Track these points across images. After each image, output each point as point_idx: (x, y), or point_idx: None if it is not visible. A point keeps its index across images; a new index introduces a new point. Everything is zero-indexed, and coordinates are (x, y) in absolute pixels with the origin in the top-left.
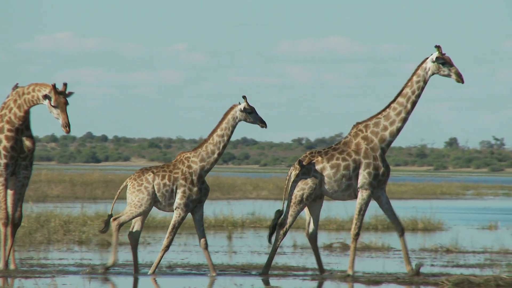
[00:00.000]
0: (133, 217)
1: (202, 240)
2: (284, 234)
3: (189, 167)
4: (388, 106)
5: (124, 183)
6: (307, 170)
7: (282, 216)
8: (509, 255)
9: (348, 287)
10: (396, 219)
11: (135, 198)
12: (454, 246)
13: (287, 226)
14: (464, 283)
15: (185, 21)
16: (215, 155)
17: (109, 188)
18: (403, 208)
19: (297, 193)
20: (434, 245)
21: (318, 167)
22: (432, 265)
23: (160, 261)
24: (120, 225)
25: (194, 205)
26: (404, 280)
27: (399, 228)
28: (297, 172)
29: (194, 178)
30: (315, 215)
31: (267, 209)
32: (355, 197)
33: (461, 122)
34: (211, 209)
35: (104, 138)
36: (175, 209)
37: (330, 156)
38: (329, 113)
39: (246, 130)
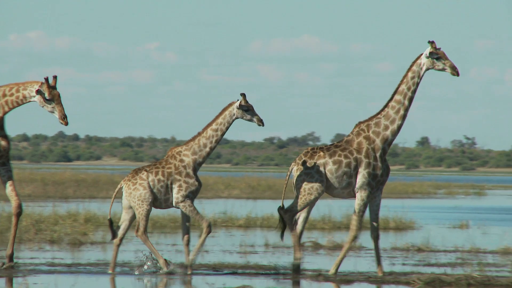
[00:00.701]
0: (147, 216)
1: (186, 236)
2: (293, 217)
3: (182, 160)
4: (386, 105)
5: (119, 186)
6: (309, 165)
7: (289, 205)
8: (480, 254)
9: (320, 286)
10: (376, 223)
11: (134, 198)
12: (425, 245)
13: (294, 211)
14: (435, 282)
15: (156, 20)
16: (207, 149)
17: (80, 187)
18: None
19: (305, 186)
20: (406, 244)
21: (320, 161)
22: (403, 264)
23: (201, 246)
24: (145, 232)
25: (195, 196)
26: (375, 279)
27: (375, 233)
28: (300, 167)
29: (189, 170)
30: (306, 213)
31: (239, 208)
32: (355, 195)
33: (432, 122)
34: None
35: (75, 137)
36: (176, 204)
37: (333, 152)
38: (300, 112)
39: None
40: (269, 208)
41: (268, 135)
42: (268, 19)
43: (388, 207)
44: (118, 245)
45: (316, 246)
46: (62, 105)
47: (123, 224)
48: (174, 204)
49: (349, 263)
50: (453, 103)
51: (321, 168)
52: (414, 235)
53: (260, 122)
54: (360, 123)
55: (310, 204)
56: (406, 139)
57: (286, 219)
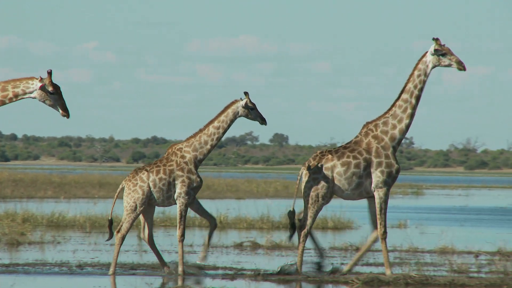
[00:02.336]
0: (133, 221)
1: (211, 228)
2: (306, 236)
3: (183, 157)
4: (394, 104)
5: (121, 186)
6: (318, 169)
7: (301, 218)
8: (418, 253)
9: (259, 286)
10: (375, 222)
11: (130, 200)
12: (363, 245)
13: (308, 227)
14: (374, 281)
15: (95, 20)
16: (208, 146)
17: (18, 187)
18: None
19: (312, 193)
20: (344, 243)
21: (328, 165)
22: (342, 263)
23: (182, 253)
24: (124, 237)
25: (195, 193)
26: (314, 278)
27: (375, 233)
28: (308, 171)
29: (191, 166)
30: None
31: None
32: (366, 196)
33: None
34: (122, 208)
35: (13, 137)
36: (177, 199)
37: (341, 154)
38: None
39: (156, 129)
40: (208, 207)
41: None
42: (206, 19)
43: (327, 207)
44: (152, 244)
45: (255, 246)
46: (63, 98)
47: (146, 222)
48: (175, 197)
49: (281, 262)
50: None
51: (329, 172)
52: (352, 234)
53: (264, 121)
54: (368, 123)
55: (320, 210)
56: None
57: (301, 237)
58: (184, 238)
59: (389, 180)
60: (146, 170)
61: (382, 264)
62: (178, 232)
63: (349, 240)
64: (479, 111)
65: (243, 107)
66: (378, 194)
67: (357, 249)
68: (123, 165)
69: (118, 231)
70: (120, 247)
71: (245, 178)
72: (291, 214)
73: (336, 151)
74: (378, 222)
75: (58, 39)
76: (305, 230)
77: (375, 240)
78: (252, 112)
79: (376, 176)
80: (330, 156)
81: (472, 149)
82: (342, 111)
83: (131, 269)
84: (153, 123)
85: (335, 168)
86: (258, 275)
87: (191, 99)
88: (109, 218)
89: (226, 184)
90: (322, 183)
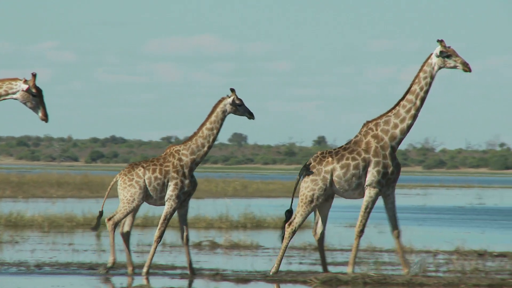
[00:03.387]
0: (128, 213)
1: (185, 235)
2: (292, 233)
3: (180, 159)
4: (398, 103)
5: (114, 179)
6: (317, 171)
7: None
8: (377, 253)
9: (217, 286)
10: (395, 221)
11: (127, 193)
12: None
13: (295, 225)
14: (332, 281)
15: (54, 19)
16: (205, 148)
17: None
18: (272, 207)
19: (307, 193)
20: (303, 243)
21: (328, 168)
22: (300, 263)
23: (154, 253)
24: (116, 224)
25: (185, 197)
26: (273, 278)
27: (396, 230)
28: (307, 172)
29: (186, 170)
30: (323, 215)
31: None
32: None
33: (329, 121)
34: (80, 207)
35: None
36: (167, 200)
37: (340, 157)
38: (198, 112)
39: (114, 128)
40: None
41: (165, 134)
42: (165, 18)
43: (286, 206)
44: (127, 241)
45: (213, 245)
46: (44, 102)
47: (127, 219)
48: (165, 198)
49: (247, 262)
50: (349, 102)
51: (328, 176)
52: (310, 234)
53: (252, 116)
54: (368, 122)
55: (311, 211)
56: (303, 139)
57: (287, 234)
58: (160, 240)
59: (383, 181)
60: (143, 167)
61: (341, 263)
62: (156, 233)
63: (308, 239)
64: (438, 111)
65: (230, 104)
66: (369, 193)
67: (316, 249)
68: (82, 165)
69: (110, 219)
70: (113, 233)
71: (204, 177)
72: (289, 213)
73: (336, 152)
74: (359, 219)
75: (16, 38)
76: (293, 227)
77: (399, 237)
78: (239, 108)
79: (372, 175)
80: (330, 159)
81: (430, 148)
82: (301, 110)
83: (90, 268)
84: (111, 122)
85: (334, 171)
86: (217, 274)
87: (150, 98)
88: (100, 210)
89: None
90: (320, 185)
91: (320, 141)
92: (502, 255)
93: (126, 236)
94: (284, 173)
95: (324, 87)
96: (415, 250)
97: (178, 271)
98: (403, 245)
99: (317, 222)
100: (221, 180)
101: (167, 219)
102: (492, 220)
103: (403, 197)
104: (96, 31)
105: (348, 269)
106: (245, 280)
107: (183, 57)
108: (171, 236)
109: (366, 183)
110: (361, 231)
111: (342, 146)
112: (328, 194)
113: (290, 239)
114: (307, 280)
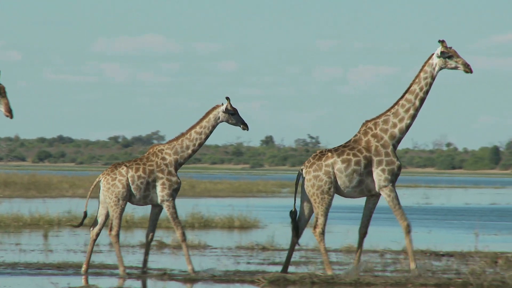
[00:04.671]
0: (121, 215)
1: (151, 234)
2: (322, 234)
3: (163, 158)
4: (397, 103)
5: (97, 179)
6: (318, 167)
7: (314, 219)
8: None
9: (165, 286)
10: (367, 222)
11: (111, 195)
12: (270, 244)
13: (321, 226)
14: (280, 280)
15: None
16: (189, 151)
17: None
18: (219, 206)
19: (315, 191)
20: (250, 243)
21: (329, 161)
22: (248, 263)
23: (188, 254)
24: (118, 234)
25: (176, 194)
26: (220, 278)
27: (363, 231)
28: (309, 169)
29: (171, 168)
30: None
31: (83, 207)
32: (367, 194)
33: (276, 121)
34: (27, 207)
35: None
36: (162, 203)
37: (341, 152)
38: (145, 111)
39: (62, 128)
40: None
41: (113, 134)
42: (112, 17)
43: (233, 206)
44: (94, 240)
45: (161, 245)
46: (7, 98)
47: (100, 219)
48: (159, 202)
49: (194, 261)
50: (297, 102)
51: (329, 169)
52: (258, 234)
53: (246, 127)
54: (367, 121)
55: (329, 206)
56: (251, 139)
57: (317, 237)
58: (185, 237)
59: (392, 178)
60: (126, 166)
61: (290, 263)
62: (178, 234)
63: (255, 239)
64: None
65: (223, 112)
66: (384, 193)
67: (263, 248)
68: (29, 164)
69: (111, 230)
70: (119, 245)
71: None
72: (293, 214)
73: (336, 149)
74: (397, 218)
75: None
76: (320, 229)
77: (364, 236)
78: (233, 117)
79: (378, 175)
80: (330, 154)
81: None
82: (247, 110)
83: (37, 268)
84: (59, 122)
85: (335, 165)
86: (164, 274)
87: (97, 98)
88: (85, 210)
89: None
90: (325, 179)
91: (268, 140)
92: (449, 254)
93: (95, 237)
94: (232, 173)
95: (271, 87)
96: (362, 249)
97: (127, 271)
98: (363, 246)
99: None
100: None
101: (175, 218)
102: (438, 220)
103: None
104: (43, 31)
105: (411, 266)
106: (192, 280)
107: (130, 56)
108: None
109: (376, 186)
110: (408, 226)
111: (341, 144)
112: (335, 188)
113: (323, 241)
114: (255, 280)
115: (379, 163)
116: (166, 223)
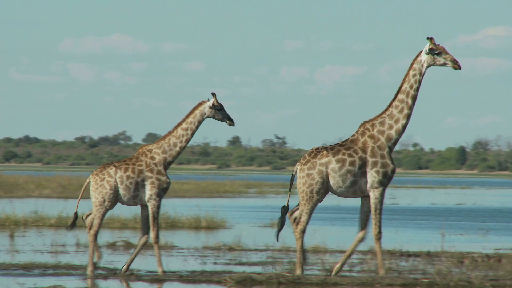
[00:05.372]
0: (103, 216)
1: (145, 236)
2: (302, 232)
3: (152, 158)
4: (390, 104)
5: (88, 180)
6: (312, 165)
7: (297, 215)
8: (291, 252)
9: (131, 286)
10: (366, 223)
11: (98, 195)
12: (237, 244)
13: (303, 224)
14: (246, 281)
15: None
16: (177, 148)
17: None
18: (186, 207)
19: (306, 189)
20: (217, 243)
21: (323, 160)
22: (215, 263)
23: (160, 255)
24: (97, 233)
25: (164, 194)
26: (187, 278)
27: (362, 231)
28: (303, 167)
29: (160, 168)
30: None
31: (50, 207)
32: (361, 195)
33: (243, 121)
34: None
35: None
36: (148, 201)
37: (336, 151)
38: (112, 111)
39: (28, 128)
40: (81, 207)
41: (79, 134)
42: (78, 17)
43: (200, 207)
44: (94, 241)
45: (128, 246)
46: None
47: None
48: (146, 200)
49: (162, 261)
50: (263, 102)
51: (323, 168)
52: (225, 234)
53: (232, 122)
54: (365, 122)
55: (315, 206)
56: (218, 139)
57: (296, 233)
58: (159, 239)
59: (385, 180)
60: (115, 166)
61: (255, 264)
62: (152, 234)
63: (222, 239)
64: (351, 111)
65: (210, 107)
66: (373, 194)
67: (230, 249)
68: None
69: (90, 228)
70: (94, 243)
71: None
72: (284, 210)
73: (332, 148)
74: (373, 222)
75: None
76: (301, 227)
77: (361, 241)
78: (219, 112)
79: (372, 176)
80: (325, 152)
81: None
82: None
83: (3, 269)
84: (25, 122)
85: (329, 164)
86: (131, 274)
87: (63, 98)
88: (75, 211)
89: None
90: (317, 178)
91: (235, 141)
92: (415, 254)
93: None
94: (199, 173)
95: (237, 87)
96: (329, 250)
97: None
98: (356, 246)
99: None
100: None
101: (156, 218)
102: (405, 220)
103: None
104: (9, 31)
105: (380, 272)
106: (159, 280)
107: (97, 56)
108: (85, 236)
109: (368, 186)
110: (379, 233)
111: (338, 143)
112: (325, 189)
113: (302, 238)
114: (222, 280)
115: (374, 164)
116: (133, 223)
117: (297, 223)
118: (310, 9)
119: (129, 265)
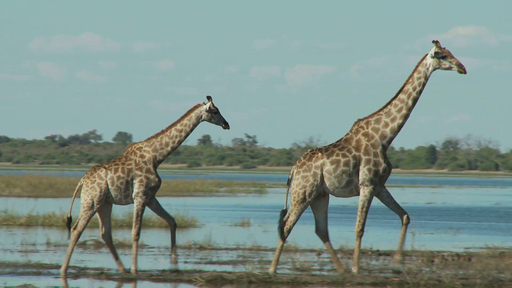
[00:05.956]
0: (89, 218)
1: (172, 223)
2: (288, 231)
3: (142, 156)
4: (389, 102)
5: (79, 183)
6: (307, 167)
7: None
8: (261, 251)
9: (102, 285)
10: (399, 208)
11: (88, 197)
12: (207, 243)
13: (290, 224)
14: (217, 280)
15: None
16: (168, 148)
17: None
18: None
19: (299, 191)
20: (188, 242)
21: (318, 163)
22: (185, 262)
23: (137, 252)
24: (80, 234)
25: (153, 193)
26: (158, 277)
27: (404, 216)
28: (299, 169)
29: (150, 166)
30: (323, 212)
31: (20, 206)
32: (357, 194)
33: None
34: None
35: None
36: (134, 198)
37: (330, 153)
38: (82, 110)
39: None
40: (51, 206)
41: (50, 133)
42: (48, 16)
43: (171, 205)
44: (110, 243)
45: (98, 245)
46: None
47: (104, 224)
48: (133, 196)
49: (131, 261)
50: (234, 101)
51: (318, 171)
52: (196, 233)
53: (227, 126)
54: (359, 120)
55: (305, 208)
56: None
57: (284, 233)
58: (139, 237)
59: (376, 179)
60: (105, 168)
61: (226, 262)
62: (133, 231)
63: (192, 238)
64: (321, 110)
65: (206, 111)
66: (363, 192)
67: (201, 248)
68: None
69: (75, 228)
70: (75, 243)
71: None
72: (283, 213)
73: (326, 149)
74: (357, 219)
75: None
76: (287, 226)
77: (407, 223)
78: (215, 116)
79: (363, 174)
80: (320, 154)
81: (314, 147)
82: (185, 109)
83: None
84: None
85: (324, 166)
86: (102, 273)
87: (33, 97)
88: (68, 216)
89: (69, 182)
90: (311, 181)
91: (205, 140)
92: (386, 253)
93: (107, 238)
94: (169, 172)
95: (208, 86)
96: (299, 249)
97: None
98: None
99: (317, 221)
100: None
101: (139, 215)
102: (375, 219)
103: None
104: None
105: (353, 270)
106: (129, 279)
107: (67, 55)
108: (56, 235)
109: (359, 182)
110: (361, 231)
111: (333, 143)
112: (319, 192)
113: (285, 238)
114: (192, 279)
115: (367, 162)
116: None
117: (284, 223)
118: (281, 8)
119: (174, 248)
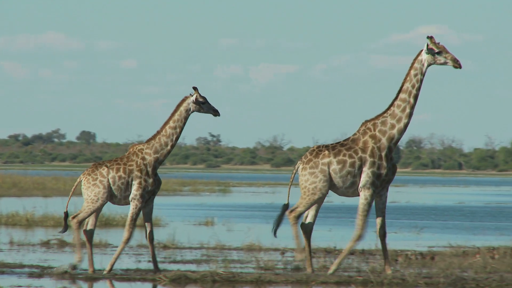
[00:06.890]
0: (92, 212)
1: (148, 231)
2: (296, 218)
3: (143, 158)
4: (392, 104)
5: (78, 179)
6: (314, 164)
7: (290, 206)
8: (225, 250)
9: (65, 285)
10: (383, 222)
11: (91, 193)
12: (171, 242)
13: (297, 212)
14: (181, 279)
15: None
16: (168, 147)
17: None
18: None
19: (308, 186)
20: None
21: (325, 160)
22: (149, 261)
23: (120, 254)
24: (80, 223)
25: (149, 196)
26: (121, 276)
27: (382, 231)
28: (305, 166)
29: (149, 169)
30: (314, 209)
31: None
32: (359, 194)
33: None
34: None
35: None
36: (131, 200)
37: (337, 152)
38: (45, 109)
39: None
40: (14, 205)
41: (13, 132)
42: (11, 15)
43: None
44: (91, 241)
45: (62, 244)
46: None
47: (91, 218)
48: (130, 199)
49: (96, 260)
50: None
51: (325, 168)
52: (160, 232)
53: (217, 113)
54: (366, 121)
55: (316, 203)
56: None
57: (291, 219)
58: (129, 241)
59: (378, 182)
60: (106, 166)
61: (190, 261)
62: (125, 234)
63: (156, 237)
64: (285, 109)
65: (193, 102)
66: (363, 194)
67: (164, 247)
68: None
69: (74, 217)
70: (78, 231)
71: (52, 175)
72: (284, 207)
73: (333, 147)
74: (356, 222)
75: None
76: (295, 214)
77: (384, 238)
78: (203, 106)
79: (367, 176)
80: (326, 152)
81: (278, 146)
82: (149, 108)
83: None
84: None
85: (331, 165)
86: (66, 273)
87: None
88: (65, 211)
89: (33, 181)
90: (320, 176)
91: None
92: (350, 252)
93: (89, 235)
94: None
95: (171, 85)
96: (263, 248)
97: (26, 270)
98: (386, 246)
99: (306, 215)
100: (69, 178)
101: (134, 219)
102: (339, 218)
103: (251, 195)
104: None
105: (331, 268)
106: (94, 278)
107: (30, 54)
108: (19, 234)
109: (361, 184)
110: (360, 236)
111: (339, 142)
112: (329, 187)
113: (297, 223)
114: (156, 278)
115: (372, 164)
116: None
117: (291, 211)
118: (245, 7)
119: (155, 262)
